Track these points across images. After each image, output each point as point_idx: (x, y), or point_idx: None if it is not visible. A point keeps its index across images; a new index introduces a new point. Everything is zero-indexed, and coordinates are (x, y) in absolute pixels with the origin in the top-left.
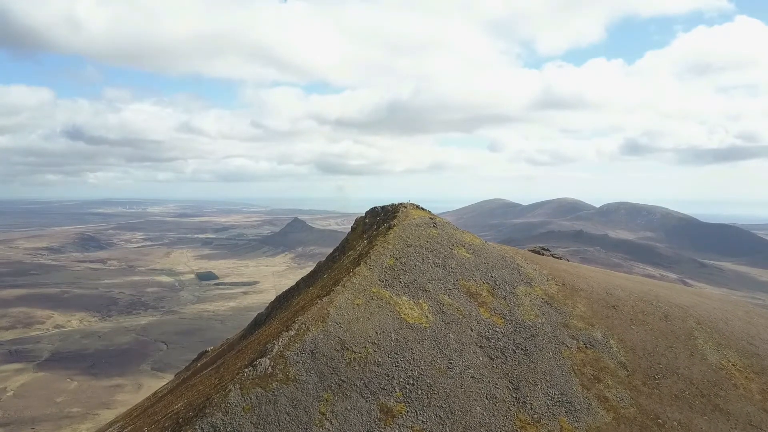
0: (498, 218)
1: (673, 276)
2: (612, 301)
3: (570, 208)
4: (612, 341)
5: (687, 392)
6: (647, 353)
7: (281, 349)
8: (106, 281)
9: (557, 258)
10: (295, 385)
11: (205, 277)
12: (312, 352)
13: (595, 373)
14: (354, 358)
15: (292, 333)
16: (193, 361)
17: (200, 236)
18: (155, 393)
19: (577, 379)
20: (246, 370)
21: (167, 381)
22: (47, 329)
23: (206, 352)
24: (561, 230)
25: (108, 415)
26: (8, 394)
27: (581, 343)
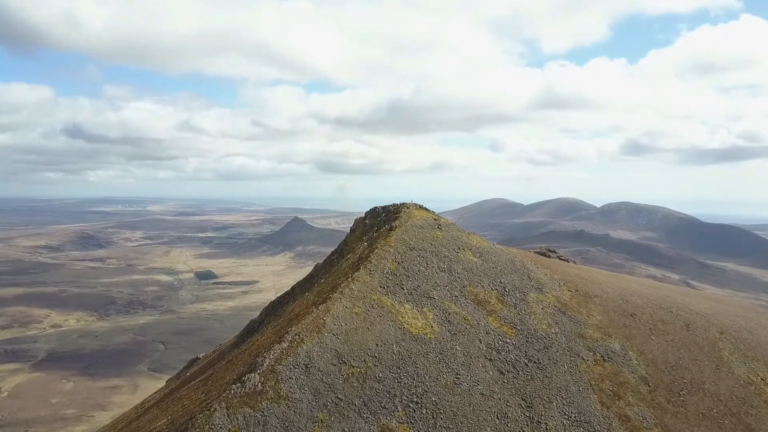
0: (498, 218)
1: (675, 276)
2: (629, 309)
3: (571, 208)
4: (631, 353)
5: (715, 410)
6: (670, 366)
7: (272, 363)
8: (104, 280)
9: (565, 261)
10: (287, 404)
11: (205, 276)
12: (306, 367)
13: (615, 388)
14: (352, 373)
15: (284, 345)
16: (184, 368)
17: (200, 235)
18: (143, 403)
19: (596, 396)
20: (233, 386)
21: (164, 382)
22: (44, 329)
23: (198, 359)
24: (562, 230)
25: (103, 417)
26: (3, 394)
27: (598, 355)
